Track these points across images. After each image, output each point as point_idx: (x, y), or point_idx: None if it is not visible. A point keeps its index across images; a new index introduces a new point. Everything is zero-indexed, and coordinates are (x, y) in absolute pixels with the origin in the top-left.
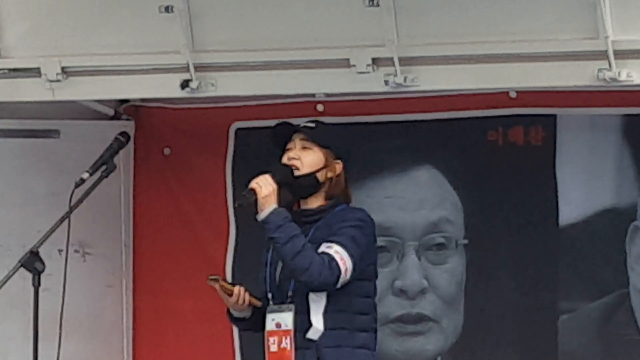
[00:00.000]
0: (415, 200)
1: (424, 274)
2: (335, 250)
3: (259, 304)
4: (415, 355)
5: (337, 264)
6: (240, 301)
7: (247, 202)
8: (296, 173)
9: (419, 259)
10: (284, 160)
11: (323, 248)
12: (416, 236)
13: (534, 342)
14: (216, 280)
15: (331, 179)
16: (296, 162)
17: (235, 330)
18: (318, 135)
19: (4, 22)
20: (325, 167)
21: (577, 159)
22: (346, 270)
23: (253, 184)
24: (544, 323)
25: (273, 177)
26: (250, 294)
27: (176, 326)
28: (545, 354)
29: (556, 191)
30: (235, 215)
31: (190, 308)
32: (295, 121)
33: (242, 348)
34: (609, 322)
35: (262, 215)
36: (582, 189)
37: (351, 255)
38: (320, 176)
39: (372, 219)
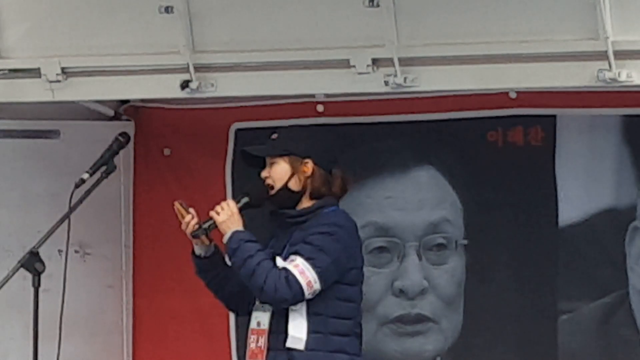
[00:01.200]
0: (415, 200)
1: (424, 275)
2: (295, 264)
3: (206, 241)
4: (414, 356)
5: (295, 278)
6: (186, 228)
7: (205, 232)
8: (271, 192)
9: (420, 259)
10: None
11: (286, 262)
12: (416, 236)
13: (533, 342)
14: (180, 203)
15: (305, 181)
16: (269, 181)
17: (233, 329)
18: (276, 143)
19: (4, 22)
20: (293, 174)
21: (576, 159)
22: (309, 282)
23: (211, 212)
24: (543, 323)
25: (238, 200)
26: (192, 236)
27: (176, 326)
28: (544, 354)
29: (556, 191)
30: None
31: (189, 308)
32: (295, 122)
33: (238, 348)
34: (609, 322)
35: (224, 240)
36: (581, 189)
37: (316, 267)
38: (293, 184)
39: (352, 223)
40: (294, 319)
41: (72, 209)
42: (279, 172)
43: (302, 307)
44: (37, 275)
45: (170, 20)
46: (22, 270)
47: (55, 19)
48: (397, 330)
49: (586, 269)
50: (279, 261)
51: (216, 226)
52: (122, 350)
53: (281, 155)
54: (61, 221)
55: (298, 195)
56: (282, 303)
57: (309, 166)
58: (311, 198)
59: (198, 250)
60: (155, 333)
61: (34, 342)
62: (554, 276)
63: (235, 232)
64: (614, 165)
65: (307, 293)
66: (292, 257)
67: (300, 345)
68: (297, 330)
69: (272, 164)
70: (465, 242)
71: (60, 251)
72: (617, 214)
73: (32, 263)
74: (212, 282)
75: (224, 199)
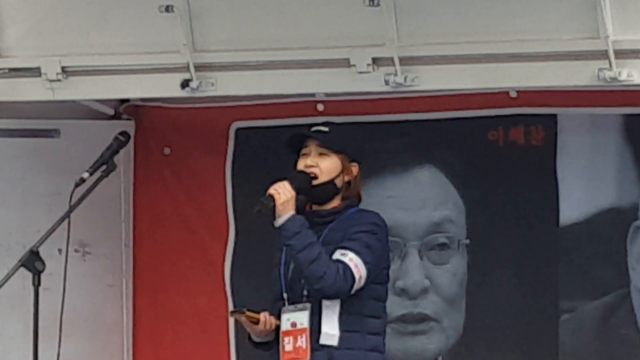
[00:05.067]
0: (417, 200)
1: (425, 274)
2: (350, 258)
3: (276, 322)
4: (416, 355)
5: (351, 272)
6: (268, 326)
7: (266, 208)
8: (314, 182)
9: (421, 258)
10: (301, 166)
11: (338, 255)
12: (418, 236)
13: (534, 342)
14: (241, 312)
15: (349, 182)
16: (315, 170)
17: (232, 329)
18: (332, 138)
19: (4, 22)
20: (342, 172)
21: (577, 158)
22: (360, 277)
23: (271, 190)
24: (544, 322)
25: (292, 184)
26: (273, 316)
27: (176, 326)
28: (545, 354)
29: (557, 191)
30: (235, 215)
31: (189, 308)
32: (295, 121)
33: (237, 347)
34: (610, 322)
35: (279, 222)
36: (582, 188)
37: (366, 263)
38: (338, 182)
39: (385, 223)
40: (326, 316)
41: (72, 208)
42: (330, 166)
43: (336, 305)
44: (37, 274)
45: (171, 19)
46: (22, 269)
47: (56, 18)
48: (399, 330)
49: (587, 268)
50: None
51: (274, 204)
52: (122, 350)
53: (337, 151)
54: (61, 220)
55: (337, 193)
56: (336, 294)
57: (355, 169)
58: (341, 199)
59: (266, 338)
60: (155, 333)
61: (34, 341)
62: (555, 275)
63: (295, 216)
64: (615, 164)
65: (356, 287)
66: (343, 251)
67: (334, 342)
68: (330, 327)
69: (322, 154)
70: (468, 241)
71: (60, 250)
72: (619, 214)
73: (32, 262)
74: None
75: (224, 199)
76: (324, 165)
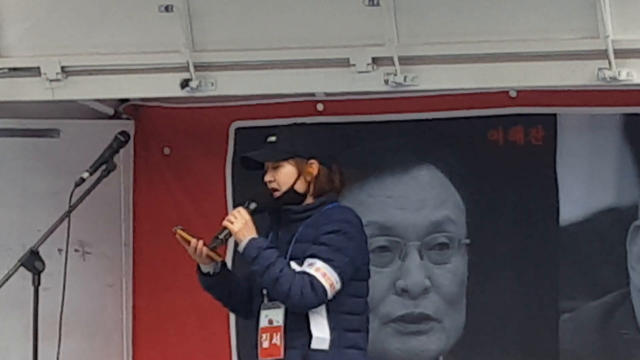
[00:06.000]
0: (417, 200)
1: (426, 274)
2: (317, 268)
3: (218, 258)
4: (416, 355)
5: (319, 282)
6: (198, 252)
7: (224, 242)
8: (276, 195)
9: (422, 258)
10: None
11: (305, 266)
12: (418, 236)
13: (535, 341)
14: (182, 230)
15: (310, 182)
16: (273, 185)
17: (233, 329)
18: (278, 146)
19: (4, 22)
20: (299, 176)
21: (577, 158)
22: (332, 284)
23: (225, 222)
24: (545, 322)
25: (247, 207)
26: (211, 249)
27: (176, 325)
28: (546, 353)
29: (557, 190)
30: None
31: (189, 307)
32: (295, 120)
33: (238, 347)
34: (610, 321)
35: (240, 249)
36: (582, 188)
37: (336, 268)
38: (299, 187)
39: (359, 219)
40: (314, 319)
41: (72, 208)
42: (284, 176)
43: (322, 307)
44: (37, 274)
45: (170, 19)
46: (22, 269)
47: (55, 18)
48: (399, 330)
49: (587, 268)
50: (294, 265)
51: (231, 235)
52: (122, 350)
53: (286, 159)
54: (61, 220)
55: (304, 196)
56: (308, 308)
57: (314, 167)
58: (315, 196)
59: (207, 269)
60: (155, 332)
61: (33, 341)
62: (555, 275)
63: (252, 240)
64: (615, 164)
65: (330, 294)
66: (311, 260)
67: (325, 346)
68: (320, 331)
69: (276, 167)
70: (468, 241)
71: (60, 250)
72: (619, 213)
73: (32, 262)
74: (222, 294)
75: (224, 199)
76: (279, 178)
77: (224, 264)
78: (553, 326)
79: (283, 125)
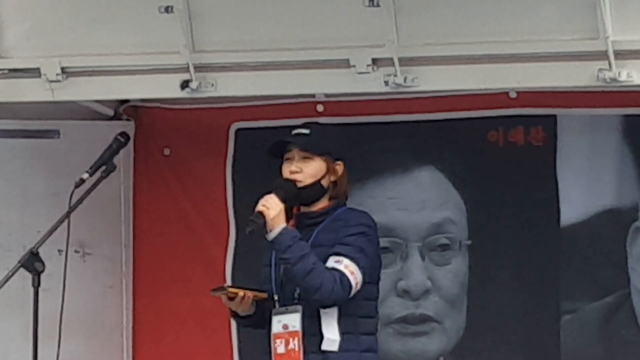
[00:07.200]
0: (418, 201)
1: (427, 275)
2: (345, 265)
3: (263, 295)
4: (417, 356)
5: (348, 279)
6: (245, 300)
7: (258, 226)
8: (299, 185)
9: (423, 259)
10: (285, 172)
11: (332, 263)
12: (419, 237)
13: (536, 343)
14: (222, 289)
15: (335, 182)
16: (298, 176)
17: (234, 329)
18: (314, 140)
19: (4, 22)
20: (327, 172)
21: (577, 159)
22: (357, 283)
23: (260, 207)
24: (546, 323)
25: (278, 195)
26: (252, 290)
27: (176, 326)
28: (547, 354)
29: (557, 191)
30: (235, 215)
31: (189, 308)
32: (295, 121)
33: (240, 348)
34: (611, 322)
35: (271, 236)
36: (582, 189)
37: (361, 267)
38: (324, 182)
39: (374, 222)
40: (326, 321)
41: (72, 209)
42: (314, 168)
43: (335, 309)
44: (37, 275)
45: (170, 20)
46: (22, 270)
47: (55, 18)
48: (400, 331)
49: (588, 269)
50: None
51: (264, 220)
52: (122, 350)
53: (322, 153)
54: (61, 221)
55: (324, 194)
56: (335, 303)
57: (340, 169)
58: (331, 197)
59: (246, 312)
60: (155, 333)
61: (33, 341)
62: (556, 276)
63: (287, 229)
64: (615, 165)
65: (353, 293)
66: (337, 257)
67: (335, 347)
68: (331, 332)
69: (306, 158)
70: (469, 242)
71: (60, 251)
72: (619, 214)
73: (32, 263)
74: (262, 324)
75: (224, 199)
76: (307, 170)
77: (257, 305)
78: (554, 327)
79: (311, 122)
